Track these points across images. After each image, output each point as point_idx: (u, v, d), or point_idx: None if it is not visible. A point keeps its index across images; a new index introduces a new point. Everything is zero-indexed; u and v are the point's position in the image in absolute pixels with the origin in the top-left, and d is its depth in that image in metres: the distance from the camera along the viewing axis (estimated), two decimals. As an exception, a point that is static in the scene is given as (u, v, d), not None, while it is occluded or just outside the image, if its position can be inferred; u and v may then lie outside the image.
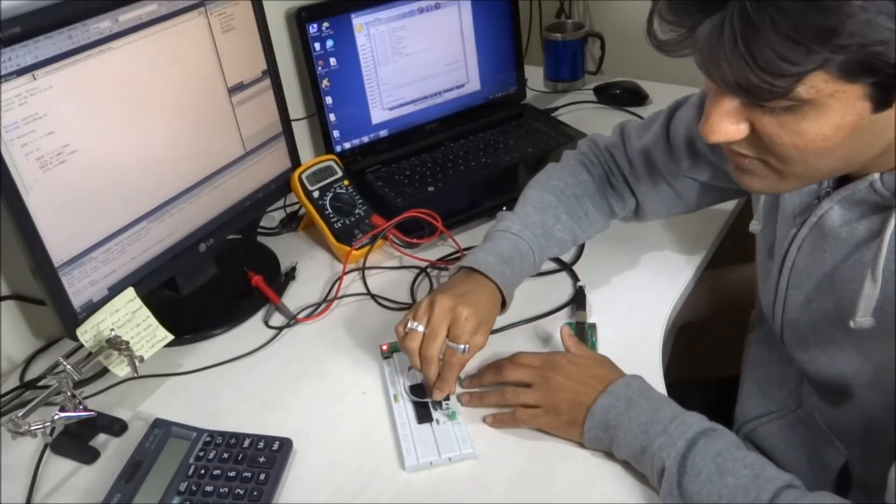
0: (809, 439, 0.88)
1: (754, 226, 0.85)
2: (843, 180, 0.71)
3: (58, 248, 0.84)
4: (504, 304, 0.91)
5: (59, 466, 0.85)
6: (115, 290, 0.92)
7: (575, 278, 1.04)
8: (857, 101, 0.57)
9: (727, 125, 0.63)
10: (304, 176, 1.13)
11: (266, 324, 1.03)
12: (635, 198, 1.00)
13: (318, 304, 1.05)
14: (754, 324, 1.01)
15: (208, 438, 0.83)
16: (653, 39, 0.60)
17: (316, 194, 1.14)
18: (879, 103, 0.57)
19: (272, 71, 1.08)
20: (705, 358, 1.38)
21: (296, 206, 1.24)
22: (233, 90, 1.02)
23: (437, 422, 0.84)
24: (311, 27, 1.21)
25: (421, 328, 0.83)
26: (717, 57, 0.56)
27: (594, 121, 1.44)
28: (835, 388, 0.79)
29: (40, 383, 0.95)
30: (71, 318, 0.87)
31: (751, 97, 0.59)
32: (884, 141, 0.62)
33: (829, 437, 0.85)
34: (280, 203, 1.23)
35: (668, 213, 1.02)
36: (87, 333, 0.88)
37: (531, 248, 0.94)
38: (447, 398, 0.85)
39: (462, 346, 0.83)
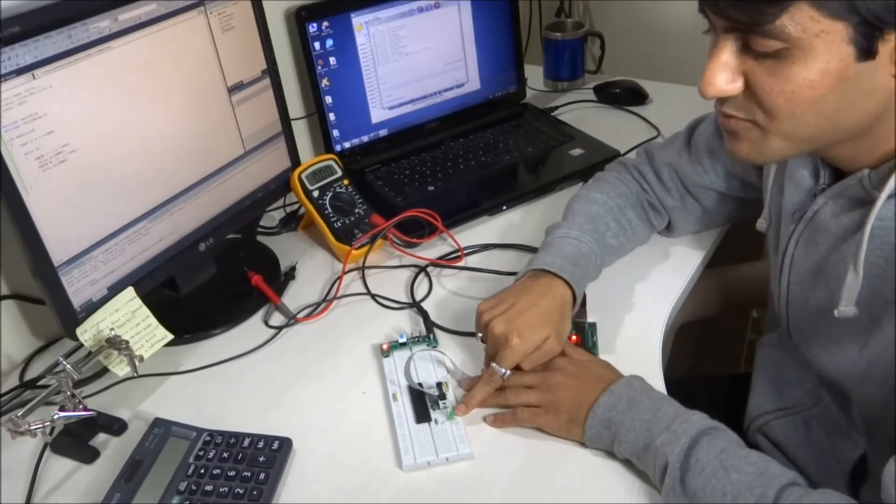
0: (825, 436, 0.88)
1: (760, 223, 0.87)
2: (838, 179, 0.74)
3: (57, 247, 0.84)
4: (575, 302, 0.91)
5: (58, 466, 0.85)
6: (114, 290, 0.92)
7: (575, 277, 1.04)
8: (842, 45, 0.60)
9: (723, 77, 0.66)
10: (303, 175, 1.13)
11: (266, 323, 1.03)
12: (667, 213, 1.04)
13: (318, 304, 1.05)
14: (767, 326, 1.02)
15: (208, 438, 0.83)
16: None
17: (316, 194, 1.13)
18: (862, 50, 0.60)
19: (272, 70, 1.08)
20: (708, 356, 1.38)
21: (295, 206, 1.24)
22: (232, 89, 1.02)
23: (436, 421, 0.84)
24: (310, 26, 1.21)
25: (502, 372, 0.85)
26: None
27: (594, 120, 1.44)
28: (836, 384, 0.80)
29: (40, 383, 0.95)
30: (71, 318, 0.87)
31: (744, 27, 0.62)
32: (868, 104, 0.64)
33: (848, 431, 0.85)
34: (280, 202, 1.22)
35: (696, 228, 1.06)
36: (87, 333, 0.88)
37: (593, 251, 0.96)
38: (444, 397, 0.85)
39: (503, 371, 0.84)
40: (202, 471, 0.80)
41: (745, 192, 0.97)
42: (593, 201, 1.01)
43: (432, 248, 1.14)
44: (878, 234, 0.68)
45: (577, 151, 1.31)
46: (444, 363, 0.92)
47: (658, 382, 0.86)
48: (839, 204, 0.73)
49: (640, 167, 1.05)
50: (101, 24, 0.84)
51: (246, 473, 0.79)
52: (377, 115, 1.32)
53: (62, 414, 0.82)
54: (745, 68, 0.65)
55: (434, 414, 0.85)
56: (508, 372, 0.84)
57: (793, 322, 0.84)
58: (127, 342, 0.87)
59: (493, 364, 0.84)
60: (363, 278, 1.09)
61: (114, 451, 0.86)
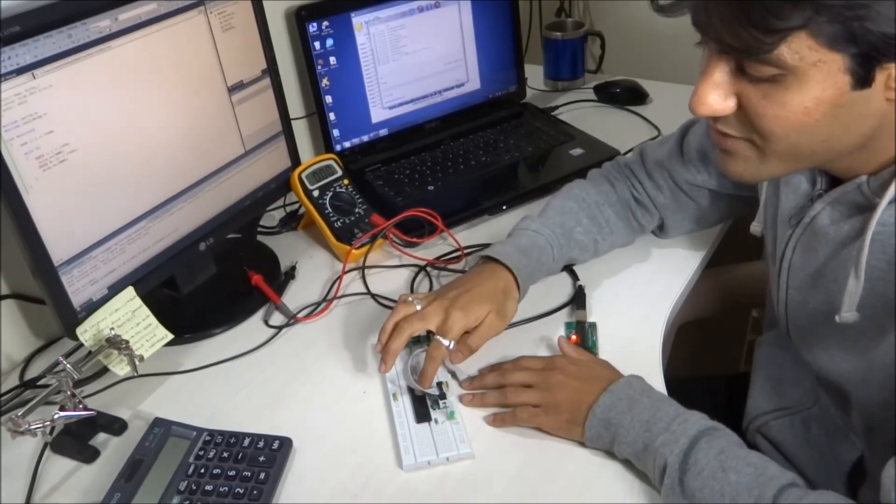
0: (824, 436, 0.88)
1: (755, 227, 0.87)
2: (834, 184, 0.73)
3: (57, 247, 0.84)
4: (520, 291, 0.93)
5: (58, 466, 0.85)
6: (114, 290, 0.92)
7: (575, 277, 1.04)
8: (838, 74, 0.59)
9: (715, 96, 0.65)
10: (303, 175, 1.13)
11: (266, 323, 1.03)
12: (658, 211, 1.04)
13: (318, 304, 1.05)
14: (764, 325, 1.02)
15: (208, 437, 0.83)
16: (654, 4, 0.65)
17: (316, 193, 1.13)
18: (859, 79, 0.59)
19: (272, 70, 1.08)
20: (708, 356, 1.38)
21: (295, 205, 1.24)
22: (232, 89, 1.02)
23: (436, 421, 0.84)
24: (310, 26, 1.21)
25: (418, 306, 0.88)
26: (710, 12, 0.60)
27: (594, 120, 1.44)
28: (836, 386, 0.80)
29: (40, 382, 0.95)
30: (71, 318, 0.87)
31: (740, 55, 0.62)
32: (862, 128, 0.64)
33: (846, 432, 0.85)
34: (280, 202, 1.22)
35: (689, 227, 1.06)
36: (87, 332, 0.88)
37: (549, 243, 0.97)
38: (444, 397, 0.85)
39: (447, 342, 0.86)
40: (202, 470, 0.80)
41: (738, 189, 0.97)
42: (570, 197, 1.02)
43: (432, 248, 1.14)
44: (879, 238, 0.67)
45: (577, 151, 1.31)
46: (444, 363, 0.92)
47: (658, 382, 0.86)
48: (837, 210, 0.73)
49: (632, 165, 1.05)
50: (101, 23, 0.84)
51: (246, 473, 0.79)
52: (377, 114, 1.32)
53: (62, 413, 0.82)
54: (739, 89, 0.64)
55: (434, 414, 0.85)
56: (454, 343, 0.86)
57: (792, 325, 0.84)
58: (127, 342, 0.87)
59: (437, 336, 0.86)
60: (363, 278, 1.09)
61: (114, 451, 0.86)
